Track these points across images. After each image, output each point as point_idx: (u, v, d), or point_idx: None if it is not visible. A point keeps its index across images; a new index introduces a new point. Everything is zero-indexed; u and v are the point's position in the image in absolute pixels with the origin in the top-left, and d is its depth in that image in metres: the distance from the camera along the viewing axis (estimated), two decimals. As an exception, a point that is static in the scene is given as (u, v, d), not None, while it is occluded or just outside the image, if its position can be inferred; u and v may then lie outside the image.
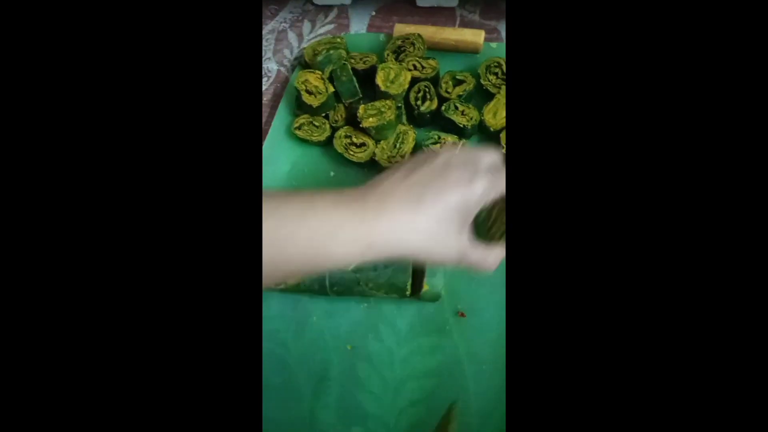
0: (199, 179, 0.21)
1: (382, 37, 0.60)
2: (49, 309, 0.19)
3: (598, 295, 0.20)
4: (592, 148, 0.21)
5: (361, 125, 0.52)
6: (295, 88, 0.54)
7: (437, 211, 0.30)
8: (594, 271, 0.21)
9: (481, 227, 0.35)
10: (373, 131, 0.52)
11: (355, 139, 0.54)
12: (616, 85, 0.21)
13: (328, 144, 0.55)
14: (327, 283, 0.47)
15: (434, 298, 0.47)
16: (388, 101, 0.52)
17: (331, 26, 0.63)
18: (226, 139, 0.21)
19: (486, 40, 0.57)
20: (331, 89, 0.54)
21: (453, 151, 0.34)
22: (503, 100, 0.52)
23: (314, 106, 0.53)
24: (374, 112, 0.52)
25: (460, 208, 0.31)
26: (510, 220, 0.23)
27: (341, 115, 0.55)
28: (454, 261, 0.32)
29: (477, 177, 0.31)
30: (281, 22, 0.64)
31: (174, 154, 0.21)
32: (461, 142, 0.52)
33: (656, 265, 0.20)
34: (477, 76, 0.54)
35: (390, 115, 0.51)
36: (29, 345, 0.19)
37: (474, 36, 0.56)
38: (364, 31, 0.62)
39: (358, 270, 0.46)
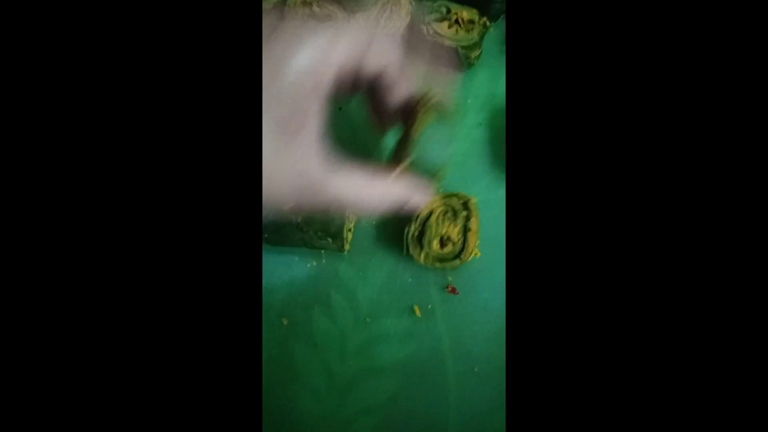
0: (194, 169, 0.20)
1: None
2: (51, 299, 0.19)
3: (601, 292, 0.19)
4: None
5: (323, -19, 0.32)
6: None
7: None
8: (597, 268, 0.20)
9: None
10: (343, -8, 0.32)
11: (316, 7, 0.34)
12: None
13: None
14: None
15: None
16: (369, -59, 0.32)
17: None
18: (225, 136, 0.21)
19: None
20: None
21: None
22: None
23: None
24: (346, -42, 0.32)
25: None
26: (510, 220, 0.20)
27: (299, -34, 0.35)
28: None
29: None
30: None
31: (172, 148, 0.20)
32: (476, 29, 0.32)
33: (661, 263, 0.19)
34: None
35: (370, -36, 0.31)
36: (26, 338, 0.19)
37: None
38: None
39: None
